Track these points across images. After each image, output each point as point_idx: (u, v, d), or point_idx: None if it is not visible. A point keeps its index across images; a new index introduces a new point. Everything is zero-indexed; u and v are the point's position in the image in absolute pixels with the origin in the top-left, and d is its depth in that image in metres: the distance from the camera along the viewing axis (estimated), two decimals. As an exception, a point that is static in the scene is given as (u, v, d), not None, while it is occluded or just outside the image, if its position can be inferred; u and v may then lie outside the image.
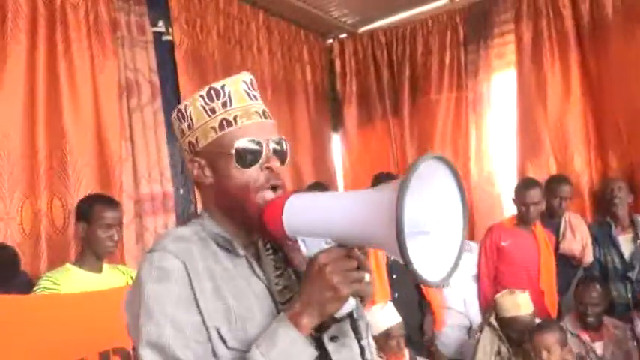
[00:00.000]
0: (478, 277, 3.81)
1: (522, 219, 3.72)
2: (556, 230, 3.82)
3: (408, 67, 5.02)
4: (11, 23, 2.76)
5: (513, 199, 3.80)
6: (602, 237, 3.80)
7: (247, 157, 1.11)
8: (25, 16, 2.84)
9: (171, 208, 3.48)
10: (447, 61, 4.81)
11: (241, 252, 1.12)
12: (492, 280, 3.73)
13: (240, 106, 1.13)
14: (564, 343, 3.02)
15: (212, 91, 1.13)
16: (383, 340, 2.96)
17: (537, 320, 3.35)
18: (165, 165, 3.48)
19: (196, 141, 1.14)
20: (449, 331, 3.86)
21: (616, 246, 3.74)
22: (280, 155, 1.15)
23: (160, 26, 3.70)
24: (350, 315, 1.04)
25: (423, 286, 3.59)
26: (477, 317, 3.74)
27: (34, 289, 2.36)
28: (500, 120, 4.62)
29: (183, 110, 1.16)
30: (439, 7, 4.89)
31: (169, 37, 3.72)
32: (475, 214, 4.50)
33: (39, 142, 2.82)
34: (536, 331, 3.05)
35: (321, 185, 4.02)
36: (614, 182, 3.88)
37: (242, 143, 1.10)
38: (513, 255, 3.68)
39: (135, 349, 1.27)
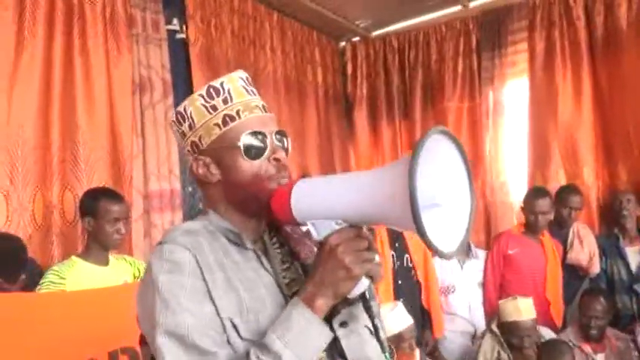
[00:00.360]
0: (484, 284, 3.81)
1: (531, 228, 3.72)
2: (564, 240, 3.82)
3: (421, 73, 5.02)
4: (29, 16, 2.77)
5: (522, 207, 3.80)
6: (610, 248, 3.81)
7: (254, 149, 1.12)
8: (44, 9, 2.86)
9: (178, 205, 3.49)
10: (460, 68, 4.82)
11: (250, 245, 1.13)
12: (498, 287, 3.73)
13: (241, 101, 1.14)
14: None
15: (211, 90, 1.15)
16: (395, 342, 2.96)
17: (542, 329, 3.36)
18: (175, 162, 3.48)
19: (200, 140, 1.15)
20: (453, 337, 3.86)
21: (623, 258, 3.74)
22: (283, 146, 1.17)
23: (175, 24, 3.72)
24: (362, 296, 1.05)
25: (423, 294, 3.61)
26: (481, 324, 3.74)
27: (40, 282, 2.37)
28: (513, 129, 4.62)
29: (182, 111, 1.16)
30: (453, 14, 4.89)
31: (183, 35, 3.73)
32: (490, 223, 4.51)
33: (53, 134, 2.83)
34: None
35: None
36: (624, 194, 3.89)
37: (248, 135, 1.12)
38: (520, 263, 3.68)
39: (143, 342, 1.27)
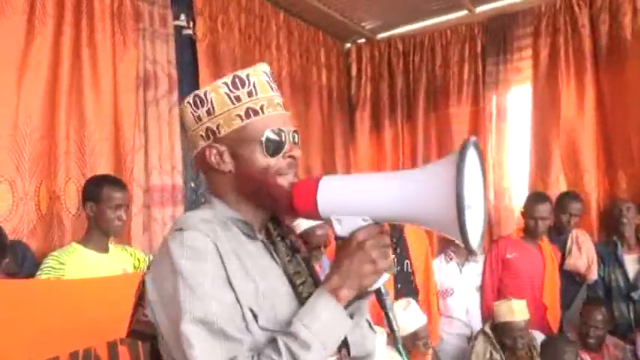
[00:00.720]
0: (481, 287, 3.82)
1: (530, 233, 3.73)
2: (562, 246, 3.83)
3: (425, 76, 5.04)
4: (39, 6, 2.79)
5: (522, 212, 3.81)
6: (608, 256, 3.82)
7: (274, 146, 1.14)
8: (53, 0, 2.87)
9: (179, 200, 3.50)
10: (466, 72, 4.84)
11: (260, 236, 1.16)
12: (496, 291, 3.74)
13: (265, 96, 1.16)
14: None
15: (237, 80, 1.16)
16: (410, 341, 2.97)
17: (534, 332, 3.38)
18: (178, 158, 3.49)
19: (217, 127, 1.15)
20: (449, 339, 3.88)
21: (621, 265, 3.75)
22: (297, 145, 1.20)
23: (182, 20, 3.72)
24: (377, 290, 1.08)
25: (419, 297, 3.61)
26: (478, 326, 3.74)
27: (40, 267, 2.37)
28: (516, 135, 4.63)
29: (202, 96, 1.16)
30: (458, 18, 4.91)
31: (189, 32, 3.74)
32: (492, 228, 4.53)
33: (59, 124, 2.84)
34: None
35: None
36: (623, 202, 3.90)
37: (271, 132, 1.14)
38: (518, 268, 3.70)
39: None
